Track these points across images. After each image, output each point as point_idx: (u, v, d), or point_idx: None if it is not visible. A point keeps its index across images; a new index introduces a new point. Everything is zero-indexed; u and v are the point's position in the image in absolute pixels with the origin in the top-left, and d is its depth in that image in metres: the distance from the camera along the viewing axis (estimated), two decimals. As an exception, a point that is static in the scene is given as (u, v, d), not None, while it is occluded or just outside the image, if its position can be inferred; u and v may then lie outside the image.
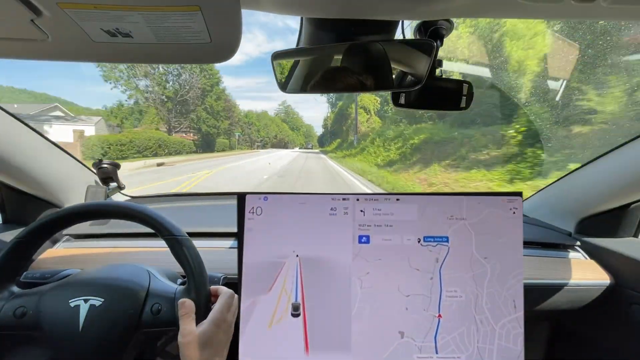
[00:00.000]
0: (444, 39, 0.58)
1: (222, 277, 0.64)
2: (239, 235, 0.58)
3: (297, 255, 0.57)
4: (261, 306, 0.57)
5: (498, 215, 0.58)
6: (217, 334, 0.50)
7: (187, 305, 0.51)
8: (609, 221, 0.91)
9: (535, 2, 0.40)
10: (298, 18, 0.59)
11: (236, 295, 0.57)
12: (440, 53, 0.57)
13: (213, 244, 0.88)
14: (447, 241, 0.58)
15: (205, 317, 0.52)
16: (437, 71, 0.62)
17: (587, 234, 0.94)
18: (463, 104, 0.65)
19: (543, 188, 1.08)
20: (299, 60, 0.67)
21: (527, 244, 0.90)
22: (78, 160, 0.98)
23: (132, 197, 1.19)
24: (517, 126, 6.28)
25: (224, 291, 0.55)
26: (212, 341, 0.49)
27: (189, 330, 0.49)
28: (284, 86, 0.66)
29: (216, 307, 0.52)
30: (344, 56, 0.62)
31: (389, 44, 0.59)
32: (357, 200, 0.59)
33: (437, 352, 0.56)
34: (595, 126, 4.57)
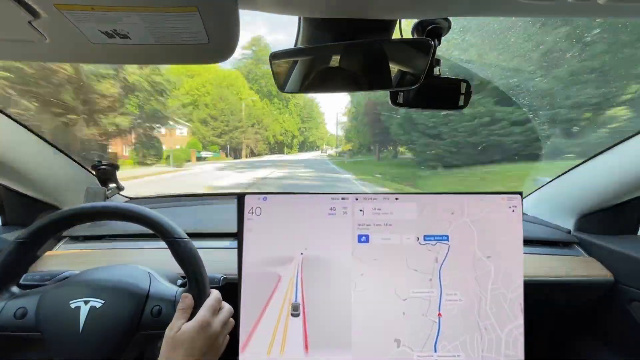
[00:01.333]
0: (442, 38, 0.58)
1: (222, 278, 0.64)
2: (238, 236, 0.58)
3: (297, 255, 0.57)
4: (261, 306, 0.57)
5: (498, 213, 0.58)
6: (199, 335, 0.48)
7: (186, 302, 0.51)
8: (608, 218, 0.91)
9: (533, 1, 0.40)
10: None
11: (227, 304, 0.56)
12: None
13: (212, 244, 0.88)
14: (447, 239, 0.57)
15: None
16: (435, 70, 0.62)
17: (587, 232, 0.95)
18: (461, 103, 0.65)
19: (542, 186, 1.08)
20: (297, 60, 0.67)
21: (527, 242, 0.90)
22: (76, 162, 0.97)
23: (131, 198, 1.19)
24: None
25: (212, 293, 0.54)
26: (192, 343, 0.48)
27: (175, 325, 0.48)
28: (282, 86, 0.66)
29: (201, 310, 0.51)
30: (342, 56, 0.62)
31: (387, 43, 0.59)
32: (356, 199, 0.59)
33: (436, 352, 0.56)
34: None
